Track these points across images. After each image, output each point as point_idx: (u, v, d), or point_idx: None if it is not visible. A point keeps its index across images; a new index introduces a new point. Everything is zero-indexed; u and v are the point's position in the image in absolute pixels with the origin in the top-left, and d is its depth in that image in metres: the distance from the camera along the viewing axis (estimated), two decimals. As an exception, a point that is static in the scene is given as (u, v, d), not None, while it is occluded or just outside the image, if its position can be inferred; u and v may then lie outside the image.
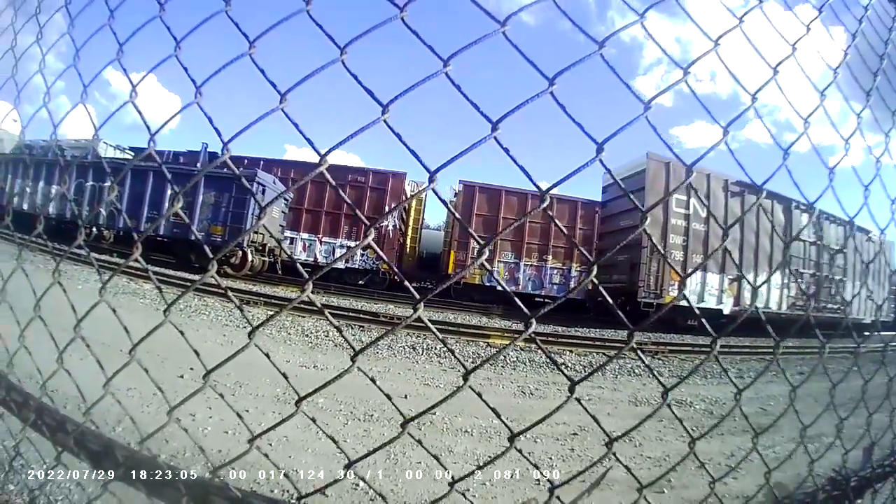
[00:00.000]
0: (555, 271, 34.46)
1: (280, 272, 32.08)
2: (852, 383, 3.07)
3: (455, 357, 1.88)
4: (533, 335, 1.78)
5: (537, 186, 1.79)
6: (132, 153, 44.67)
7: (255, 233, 28.39)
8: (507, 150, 1.69)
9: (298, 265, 2.10)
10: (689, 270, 26.86)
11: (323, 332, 16.34)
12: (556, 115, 1.70)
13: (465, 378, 1.80)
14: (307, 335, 15.89)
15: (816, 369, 2.72)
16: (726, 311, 28.30)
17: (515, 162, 1.73)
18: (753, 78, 2.26)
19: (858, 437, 3.22)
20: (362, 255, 35.55)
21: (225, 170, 27.48)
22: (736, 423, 9.15)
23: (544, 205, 1.76)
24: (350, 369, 1.84)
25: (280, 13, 1.91)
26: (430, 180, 1.73)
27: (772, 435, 8.05)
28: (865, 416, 3.21)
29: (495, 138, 1.68)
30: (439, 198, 1.88)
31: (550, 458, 8.24)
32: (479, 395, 1.87)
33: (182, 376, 9.11)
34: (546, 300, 34.20)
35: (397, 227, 37.79)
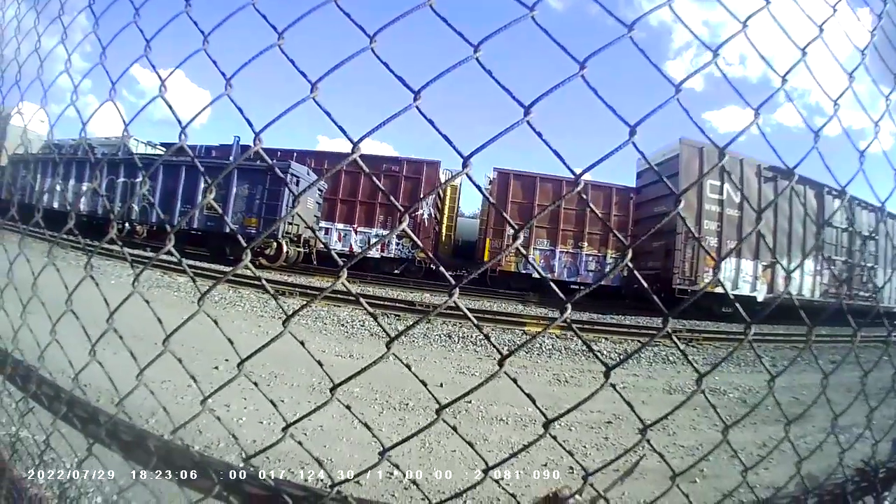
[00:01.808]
0: (590, 258, 34.38)
1: (315, 262, 32.27)
2: (885, 373, 3.04)
3: (490, 343, 1.88)
4: (569, 320, 1.76)
5: (570, 170, 1.78)
6: (163, 148, 44.91)
7: (290, 224, 28.91)
8: (539, 134, 1.69)
9: (334, 253, 2.10)
10: (723, 254, 26.65)
11: (359, 321, 16.43)
12: (587, 101, 1.69)
13: (501, 364, 1.79)
14: (343, 325, 15.96)
15: (848, 357, 2.69)
16: (760, 299, 28.03)
17: (548, 145, 1.71)
18: (783, 60, 2.24)
19: (888, 428, 3.19)
20: (398, 243, 35.79)
21: (258, 162, 27.71)
22: (769, 412, 8.99)
23: (578, 188, 1.76)
24: (385, 356, 1.84)
25: (308, 3, 1.91)
26: (464, 165, 1.72)
27: (804, 425, 8.01)
28: (896, 406, 3.18)
29: (528, 122, 1.66)
30: (473, 182, 1.88)
31: (584, 447, 8.23)
32: (515, 380, 1.86)
33: (217, 367, 9.19)
34: (582, 287, 32.90)
35: (433, 215, 37.76)
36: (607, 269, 33.28)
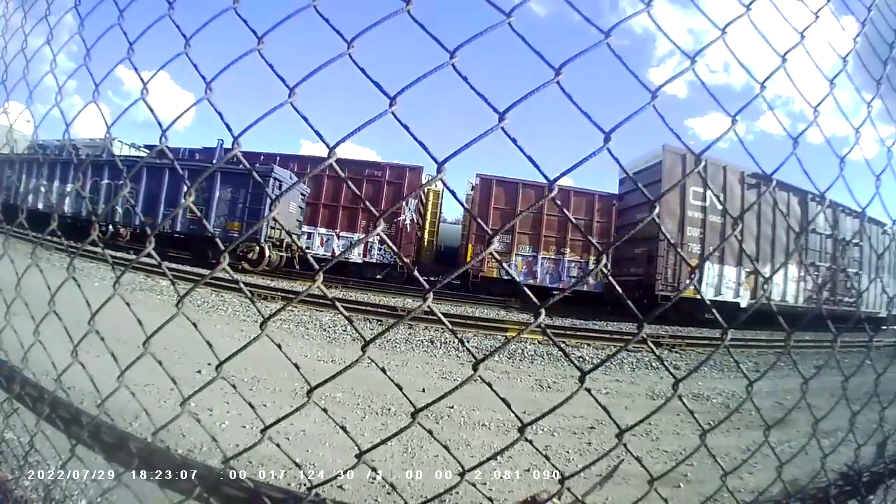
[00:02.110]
0: (573, 264, 34.39)
1: (297, 267, 32.43)
2: (867, 377, 3.07)
3: (465, 347, 1.89)
4: (543, 325, 1.77)
5: (545, 176, 1.77)
6: (146, 150, 44.85)
7: (272, 228, 28.88)
8: (514, 140, 1.69)
9: (310, 257, 2.13)
10: (700, 261, 26.86)
11: (341, 326, 16.44)
12: (568, 105, 1.70)
13: (475, 368, 1.83)
14: (325, 329, 16.00)
15: (829, 362, 2.72)
16: (743, 305, 28.32)
17: (522, 151, 1.73)
18: (765, 68, 2.26)
19: (871, 432, 3.21)
20: (380, 249, 35.78)
21: (241, 166, 28.01)
22: (752, 416, 9.06)
23: (552, 194, 1.75)
24: (361, 359, 1.83)
25: (287, 9, 1.93)
26: (438, 171, 1.75)
27: (788, 429, 8.06)
28: (879, 410, 3.20)
29: (503, 128, 1.68)
30: (447, 188, 1.89)
31: (567, 452, 8.24)
32: (490, 385, 1.89)
33: (199, 371, 9.16)
34: (562, 292, 33.26)
35: (415, 221, 37.88)
36: (590, 277, 33.42)
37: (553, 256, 34.41)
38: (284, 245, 31.50)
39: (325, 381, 1.90)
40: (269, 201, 26.61)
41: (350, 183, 2.11)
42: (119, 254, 23.96)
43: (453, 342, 15.80)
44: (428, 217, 44.43)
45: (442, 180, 1.83)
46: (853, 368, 2.95)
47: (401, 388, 1.94)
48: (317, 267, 1.85)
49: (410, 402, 1.94)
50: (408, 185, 36.00)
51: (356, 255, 35.39)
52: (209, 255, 28.35)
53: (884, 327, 26.66)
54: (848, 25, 2.81)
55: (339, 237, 35.88)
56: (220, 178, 27.91)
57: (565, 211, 2.10)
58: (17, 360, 2.79)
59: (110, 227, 31.65)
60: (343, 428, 2.15)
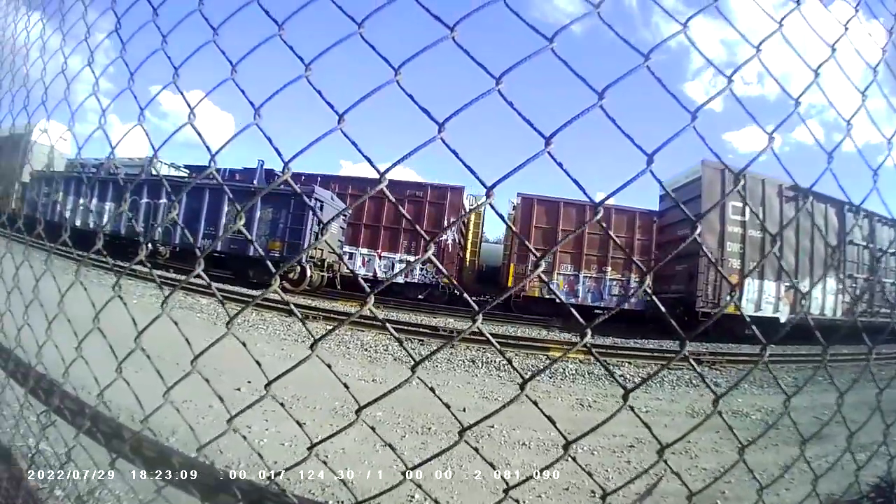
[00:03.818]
0: (614, 282, 34.12)
1: (339, 287, 32.45)
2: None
3: (512, 367, 1.91)
4: (588, 345, 1.81)
5: (590, 199, 1.80)
6: (187, 171, 45.12)
7: (315, 248, 28.85)
8: (560, 164, 1.72)
9: (361, 279, 2.15)
10: (740, 278, 26.53)
11: (382, 346, 16.48)
12: (610, 124, 1.71)
13: (522, 387, 1.83)
14: (366, 349, 16.01)
15: (864, 375, 2.71)
16: (783, 320, 27.73)
17: (568, 175, 1.76)
18: (798, 77, 2.27)
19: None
20: (422, 269, 35.60)
21: (282, 186, 28.19)
22: (790, 432, 8.98)
23: (598, 216, 1.77)
24: (409, 379, 1.87)
25: (334, 34, 1.95)
26: (487, 195, 1.78)
27: (825, 444, 7.95)
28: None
29: (549, 153, 1.71)
30: (496, 212, 1.91)
31: (606, 470, 8.23)
32: (535, 403, 1.90)
33: (239, 389, 9.18)
34: (606, 311, 32.95)
35: (457, 241, 37.59)
36: (630, 293, 33.15)
37: (595, 275, 34.11)
38: (325, 265, 31.49)
39: (375, 400, 1.92)
40: (311, 221, 27.45)
41: (400, 207, 2.14)
42: (159, 272, 24.14)
43: (494, 362, 15.86)
44: (469, 237, 44.30)
45: (491, 205, 1.85)
46: (889, 380, 2.93)
47: (448, 407, 1.96)
48: (367, 289, 1.91)
49: (458, 421, 1.95)
50: (449, 206, 35.91)
51: (399, 276, 34.80)
52: (250, 275, 28.41)
53: None
54: (876, 31, 2.80)
55: (380, 257, 35.83)
56: (262, 198, 27.75)
57: (610, 233, 2.14)
58: (57, 375, 2.84)
59: (149, 245, 31.85)
60: (391, 446, 2.17)
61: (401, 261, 35.48)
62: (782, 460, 8.60)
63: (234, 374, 9.11)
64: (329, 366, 2.07)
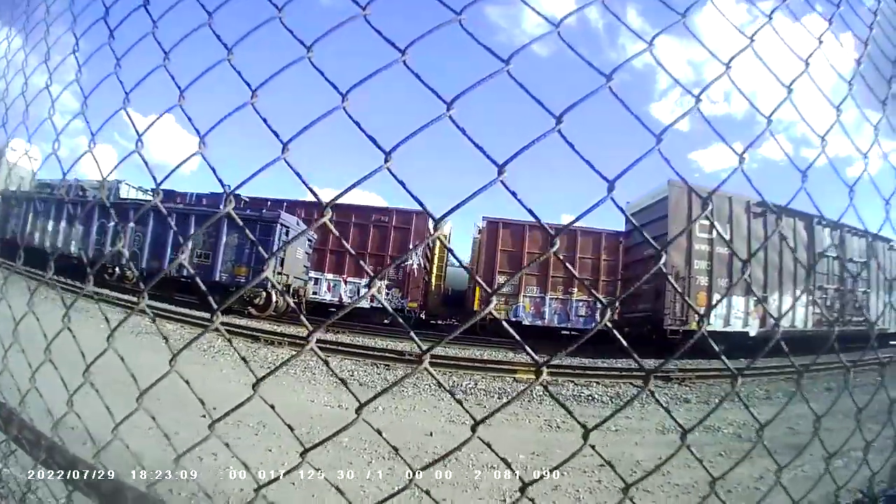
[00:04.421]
0: (580, 304, 34.50)
1: (304, 312, 31.87)
2: (882, 395, 3.02)
3: (464, 409, 1.89)
4: (545, 383, 1.86)
5: (546, 228, 1.83)
6: (153, 195, 45.01)
7: (279, 273, 28.94)
8: (514, 194, 1.71)
9: (303, 317, 2.14)
10: (708, 308, 26.84)
11: (348, 371, 16.79)
12: (574, 140, 1.67)
13: (473, 429, 1.95)
14: (332, 375, 15.74)
15: (842, 392, 2.71)
16: (752, 333, 28.12)
17: (523, 205, 1.76)
18: (768, 93, 2.24)
19: (886, 455, 3.17)
20: (388, 293, 35.90)
21: (248, 211, 28.53)
22: (767, 443, 9.02)
23: (554, 248, 1.78)
24: (355, 422, 1.91)
25: (283, 59, 1.92)
26: (435, 228, 1.87)
27: (802, 454, 7.96)
28: (894, 435, 3.16)
29: (502, 182, 1.68)
30: (444, 244, 1.92)
31: (577, 491, 8.23)
32: (489, 445, 1.99)
33: (204, 416, 8.98)
34: (572, 332, 34.47)
35: (422, 265, 37.95)
36: (597, 316, 33.55)
37: (561, 296, 34.49)
38: (291, 290, 31.37)
39: (319, 444, 2.00)
40: (276, 247, 27.06)
41: (343, 240, 2.11)
42: (126, 296, 24.03)
43: (461, 385, 16.24)
44: (435, 261, 44.10)
45: (440, 238, 1.84)
46: (866, 388, 2.92)
47: (397, 451, 1.99)
48: (309, 328, 1.96)
49: (408, 465, 1.99)
50: (415, 230, 36.07)
51: (364, 301, 34.95)
52: (216, 300, 27.74)
53: (892, 342, 27.13)
54: (848, 43, 2.80)
55: (345, 282, 36.15)
56: (227, 224, 27.77)
57: (569, 267, 2.09)
58: (15, 402, 2.78)
59: (116, 269, 31.59)
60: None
61: (366, 286, 35.17)
62: (757, 473, 8.56)
63: (203, 400, 9.08)
64: (272, 406, 2.20)
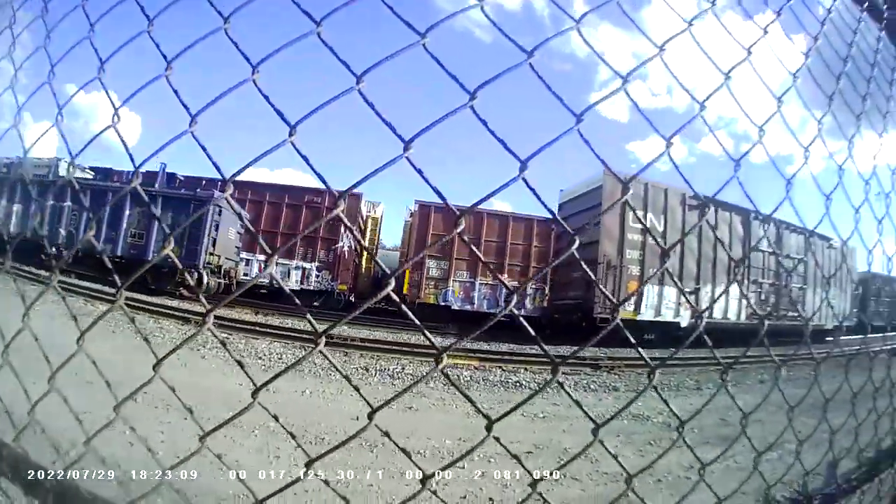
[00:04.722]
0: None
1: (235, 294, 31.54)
2: (816, 391, 3.03)
3: (361, 395, 1.89)
4: (445, 371, 1.83)
5: (451, 209, 1.85)
6: (92, 173, 44.07)
7: (211, 254, 28.89)
8: (420, 172, 1.71)
9: (201, 296, 2.08)
10: (619, 299, 27.19)
11: (276, 354, 16.63)
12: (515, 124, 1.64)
13: (370, 416, 1.91)
14: (261, 358, 16.11)
15: (772, 390, 2.72)
16: (684, 324, 28.68)
17: (429, 183, 1.77)
18: (710, 88, 2.20)
19: (823, 451, 3.19)
20: (317, 276, 36.16)
21: (183, 190, 28.79)
22: (695, 433, 9.48)
23: (459, 229, 1.79)
24: (251, 406, 1.90)
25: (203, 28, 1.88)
26: (336, 205, 1.78)
27: (734, 444, 8.04)
28: (829, 433, 3.17)
29: (407, 158, 1.66)
30: (344, 223, 1.90)
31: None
32: (387, 433, 2.00)
33: (186, 419, 8.85)
34: (502, 318, 33.60)
35: (353, 247, 37.59)
36: (527, 301, 34.83)
37: (491, 282, 34.65)
38: (223, 272, 31.31)
39: (215, 429, 2.01)
40: (209, 226, 27.64)
41: (249, 225, 2.05)
42: (62, 277, 23.63)
43: (388, 369, 16.24)
44: (366, 243, 44.13)
45: (341, 214, 1.81)
46: (799, 381, 2.93)
47: (293, 436, 1.98)
48: (207, 306, 1.89)
49: (305, 453, 2.01)
50: (346, 212, 35.33)
51: (294, 283, 35.60)
52: (148, 280, 27.44)
53: (828, 339, 27.34)
54: (798, 40, 2.79)
55: (277, 264, 35.09)
56: (162, 202, 27.68)
57: (474, 249, 2.08)
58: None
59: (53, 249, 30.97)
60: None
61: (297, 268, 36.17)
62: (686, 462, 8.58)
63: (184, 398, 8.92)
64: (173, 389, 2.09)
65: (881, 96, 3.27)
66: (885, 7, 3.04)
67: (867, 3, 2.95)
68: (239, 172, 1.80)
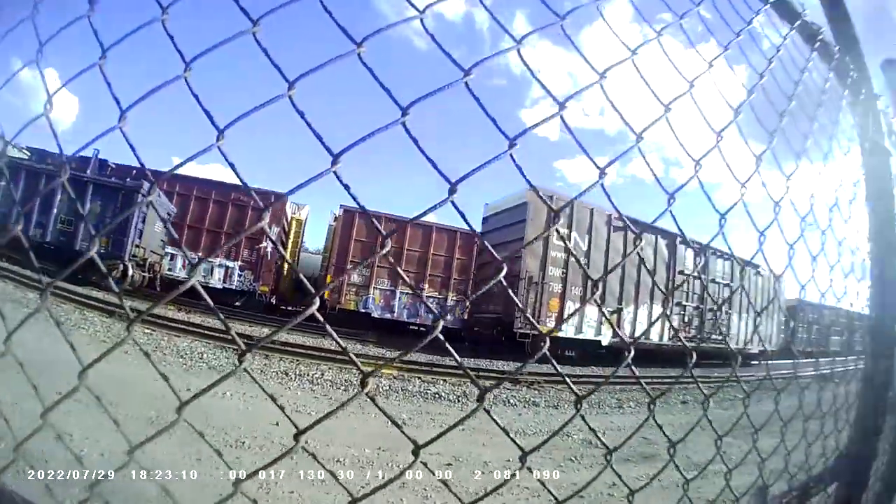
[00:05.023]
0: (431, 300, 34.73)
1: (158, 289, 31.78)
2: (738, 410, 3.06)
3: (285, 415, 1.84)
4: (370, 396, 1.78)
5: (379, 230, 1.81)
6: (28, 152, 43.25)
7: (137, 247, 28.59)
8: (347, 187, 1.67)
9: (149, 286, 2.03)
10: (560, 304, 28.51)
11: (197, 353, 16.55)
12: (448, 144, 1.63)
13: (296, 438, 1.82)
14: (182, 356, 16.01)
15: (700, 420, 2.73)
16: (605, 343, 28.94)
17: (355, 200, 1.76)
18: (647, 115, 2.22)
19: (751, 481, 3.23)
20: (240, 275, 36.11)
21: (113, 179, 28.32)
22: (628, 451, 9.73)
23: (385, 250, 1.73)
24: (176, 422, 1.78)
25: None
26: (259, 218, 1.72)
27: (657, 463, 8.11)
28: (758, 462, 3.20)
29: (334, 173, 1.62)
30: (267, 235, 1.88)
31: (425, 489, 8.26)
32: (313, 454, 1.87)
33: (152, 421, 8.61)
34: (421, 328, 35.65)
35: (276, 249, 37.48)
36: (448, 314, 34.22)
37: (411, 291, 34.25)
38: (147, 265, 30.92)
39: (145, 442, 1.84)
40: (136, 219, 27.34)
41: (169, 227, 2.03)
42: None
43: (308, 374, 16.28)
44: (289, 246, 44.90)
45: (264, 227, 1.79)
46: (726, 402, 2.96)
47: (203, 436, 1.93)
48: (130, 313, 1.80)
49: (223, 461, 2.11)
50: (271, 212, 34.91)
51: (216, 281, 35.49)
52: (76, 270, 26.77)
53: (754, 362, 28.65)
54: (741, 73, 2.82)
55: (200, 261, 34.80)
56: (93, 190, 27.35)
57: (402, 273, 2.07)
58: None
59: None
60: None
61: (220, 265, 35.98)
62: (610, 479, 8.69)
63: (143, 397, 8.73)
64: (99, 398, 2.06)
65: (823, 135, 3.34)
66: (836, 49, 3.09)
67: (818, 43, 3.01)
68: (167, 175, 1.96)
